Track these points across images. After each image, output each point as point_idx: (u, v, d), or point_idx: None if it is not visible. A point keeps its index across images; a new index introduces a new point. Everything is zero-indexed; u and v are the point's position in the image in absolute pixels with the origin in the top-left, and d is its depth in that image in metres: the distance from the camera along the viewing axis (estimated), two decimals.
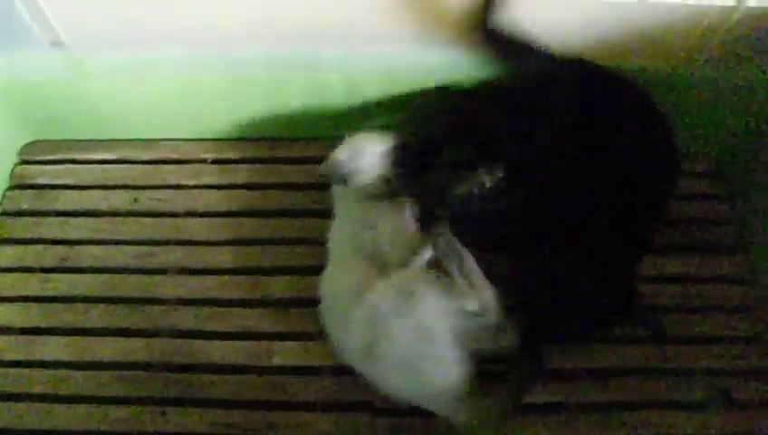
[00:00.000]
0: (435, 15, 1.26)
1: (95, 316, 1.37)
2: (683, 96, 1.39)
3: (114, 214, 1.50)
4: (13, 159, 1.60)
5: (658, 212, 1.27)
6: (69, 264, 1.43)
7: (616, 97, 1.24)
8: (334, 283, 1.22)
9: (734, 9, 1.17)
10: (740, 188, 1.49)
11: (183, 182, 1.55)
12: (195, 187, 1.54)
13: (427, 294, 1.08)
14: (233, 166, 1.57)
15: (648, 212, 1.24)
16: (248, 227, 1.48)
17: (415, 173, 1.25)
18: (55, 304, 1.38)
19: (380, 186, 1.24)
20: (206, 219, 1.49)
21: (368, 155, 1.24)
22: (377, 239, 1.21)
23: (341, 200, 1.31)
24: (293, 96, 1.46)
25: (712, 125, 1.47)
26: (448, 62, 1.35)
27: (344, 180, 1.24)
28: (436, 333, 1.06)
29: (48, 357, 1.32)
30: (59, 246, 1.46)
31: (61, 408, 1.27)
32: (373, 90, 1.42)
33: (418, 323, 1.06)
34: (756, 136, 1.43)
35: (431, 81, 1.39)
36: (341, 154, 1.24)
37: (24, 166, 1.59)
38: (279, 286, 1.38)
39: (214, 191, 1.53)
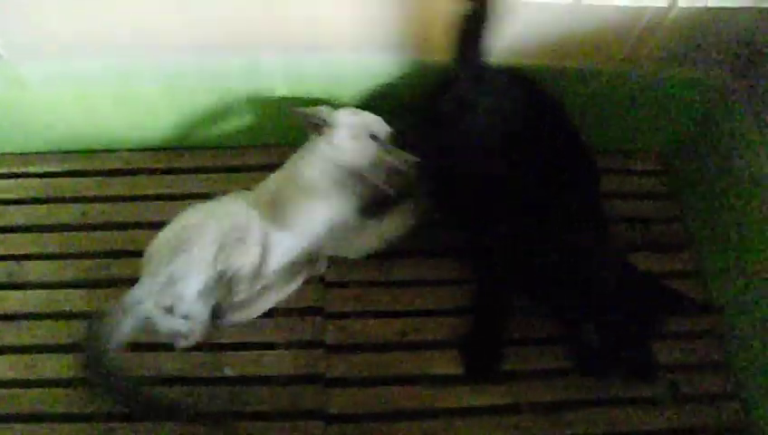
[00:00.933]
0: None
1: (41, 333, 1.34)
2: (626, 95, 1.41)
3: (62, 228, 1.47)
4: None
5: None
6: (15, 280, 1.40)
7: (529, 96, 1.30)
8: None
9: (668, 10, 1.20)
10: (686, 184, 1.52)
11: (132, 193, 1.53)
12: (144, 198, 1.52)
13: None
14: (182, 176, 1.56)
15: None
16: None
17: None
18: (0, 322, 1.35)
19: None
20: (157, 231, 1.46)
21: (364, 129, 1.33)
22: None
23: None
24: (235, 104, 1.46)
25: (656, 123, 1.49)
26: (391, 67, 1.37)
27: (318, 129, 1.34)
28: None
29: None
30: (5, 262, 1.42)
31: (4, 427, 1.24)
32: (317, 94, 1.42)
33: None
34: (700, 131, 1.46)
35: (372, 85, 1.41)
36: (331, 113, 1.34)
37: None
38: None
39: (163, 202, 1.51)
